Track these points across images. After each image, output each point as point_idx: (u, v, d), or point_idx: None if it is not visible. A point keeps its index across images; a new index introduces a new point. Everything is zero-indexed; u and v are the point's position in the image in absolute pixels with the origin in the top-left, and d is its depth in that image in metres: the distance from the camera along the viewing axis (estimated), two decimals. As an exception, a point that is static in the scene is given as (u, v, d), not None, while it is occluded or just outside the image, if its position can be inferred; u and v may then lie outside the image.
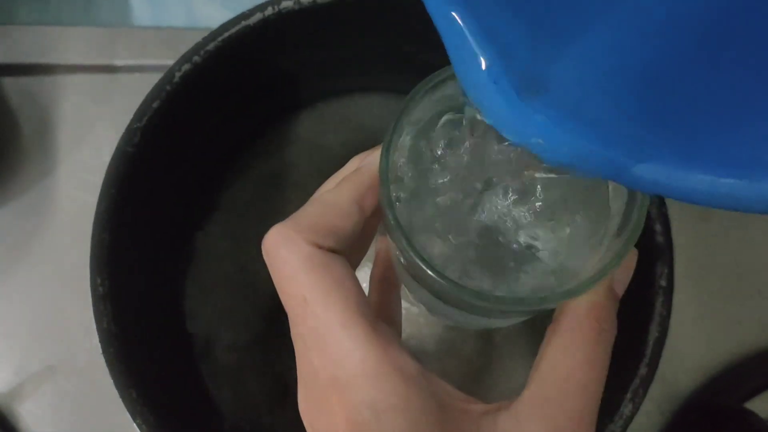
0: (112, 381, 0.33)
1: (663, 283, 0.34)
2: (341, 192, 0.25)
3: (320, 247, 0.23)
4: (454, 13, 0.16)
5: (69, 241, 0.45)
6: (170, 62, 0.35)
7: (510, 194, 0.25)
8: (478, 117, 0.24)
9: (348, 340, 0.21)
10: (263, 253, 0.24)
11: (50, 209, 0.46)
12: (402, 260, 0.25)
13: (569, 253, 0.24)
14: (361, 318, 0.22)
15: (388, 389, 0.21)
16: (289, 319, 0.23)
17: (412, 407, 0.21)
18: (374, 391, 0.21)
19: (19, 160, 0.47)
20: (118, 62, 0.48)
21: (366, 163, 0.26)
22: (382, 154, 0.23)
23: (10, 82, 0.48)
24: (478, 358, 0.43)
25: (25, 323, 0.45)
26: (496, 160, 0.24)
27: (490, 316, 0.26)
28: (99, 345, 0.33)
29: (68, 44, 0.48)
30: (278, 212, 0.44)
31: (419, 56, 0.41)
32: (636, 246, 0.32)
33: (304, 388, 0.23)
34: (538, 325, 0.43)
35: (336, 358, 0.22)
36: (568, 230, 0.25)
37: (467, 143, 0.25)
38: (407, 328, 0.43)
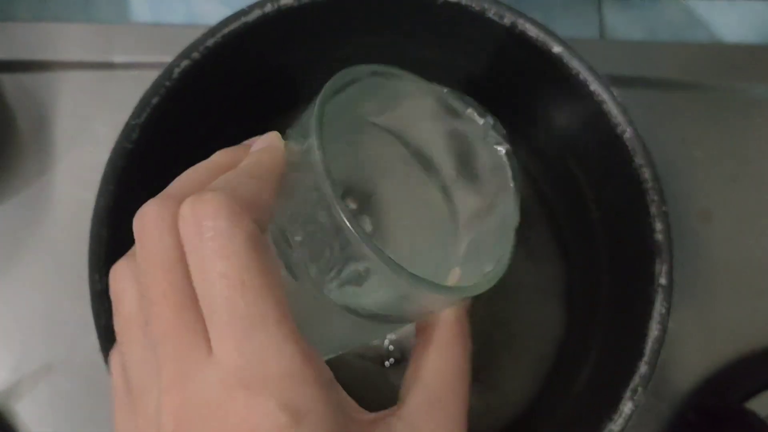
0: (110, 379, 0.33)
1: (663, 281, 0.34)
2: (263, 167, 0.23)
3: (260, 226, 0.21)
4: None
5: (66, 238, 0.45)
6: (168, 59, 0.35)
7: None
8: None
9: (279, 335, 0.20)
10: (188, 219, 0.21)
11: (48, 207, 0.46)
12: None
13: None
14: (289, 313, 0.20)
15: (309, 394, 0.20)
16: (211, 303, 0.20)
17: (328, 414, 0.20)
18: (297, 394, 0.20)
19: (17, 158, 0.47)
20: (117, 59, 0.48)
21: (268, 146, 0.25)
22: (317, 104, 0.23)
23: (7, 79, 0.48)
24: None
25: (22, 321, 0.45)
26: None
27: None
28: (97, 342, 0.33)
29: (66, 41, 0.48)
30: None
31: (417, 54, 0.41)
32: (633, 243, 0.32)
33: (183, 391, 0.20)
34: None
35: (262, 353, 0.19)
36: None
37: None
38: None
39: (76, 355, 0.44)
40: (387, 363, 0.42)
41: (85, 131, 0.48)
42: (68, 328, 0.44)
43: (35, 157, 0.47)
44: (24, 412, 0.43)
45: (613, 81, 0.36)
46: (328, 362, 0.22)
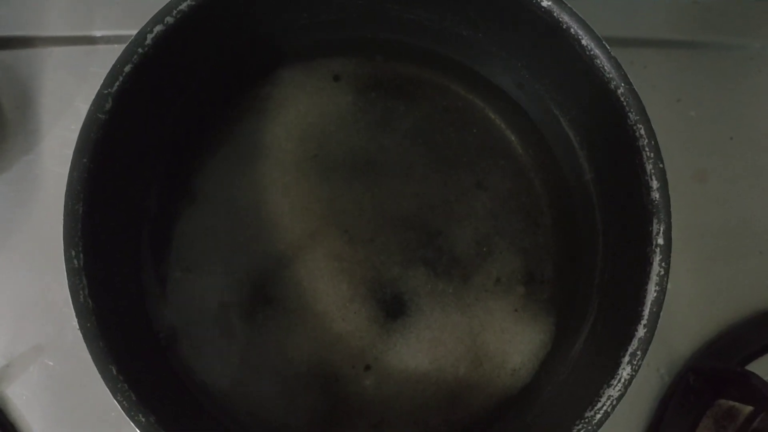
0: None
1: (660, 241, 0.33)
2: None
3: None
4: None
5: (52, 217, 0.44)
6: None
7: None
8: None
9: None
10: None
11: (33, 186, 0.46)
12: None
13: None
14: None
15: None
16: None
17: None
18: None
19: (0, 137, 0.46)
20: (97, 33, 0.47)
21: None
22: None
23: (-12, 57, 0.47)
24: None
25: (10, 303, 0.44)
26: None
27: None
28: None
29: (45, 16, 0.48)
30: (264, 176, 0.43)
31: (402, 14, 0.40)
32: (628, 203, 0.31)
33: None
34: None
35: None
36: None
37: None
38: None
39: (65, 335, 0.44)
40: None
41: (67, 107, 0.47)
42: (56, 309, 0.44)
43: (18, 136, 0.46)
44: (14, 395, 0.43)
45: (606, 41, 0.35)
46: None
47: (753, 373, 0.40)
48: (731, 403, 0.42)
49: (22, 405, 0.43)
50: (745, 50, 0.49)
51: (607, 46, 0.34)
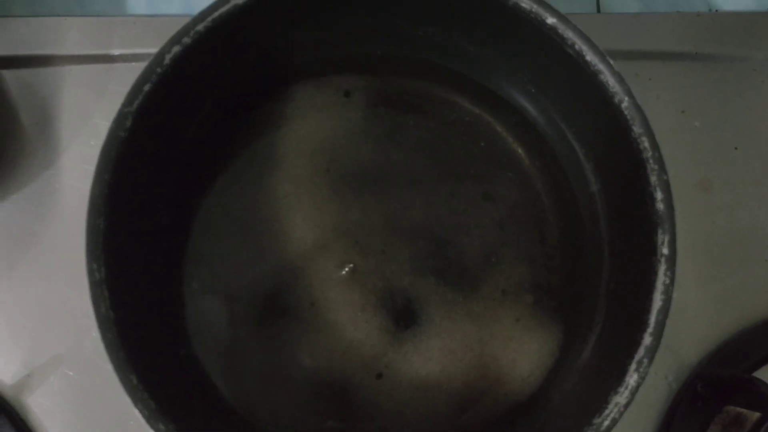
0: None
1: (665, 251, 0.34)
2: None
3: None
4: None
5: (72, 231, 0.45)
6: (166, 50, 0.35)
7: None
8: None
9: None
10: None
11: (53, 201, 0.46)
12: None
13: None
14: None
15: None
16: None
17: None
18: None
19: (21, 153, 0.47)
20: (115, 51, 0.48)
21: None
22: None
23: (9, 75, 0.48)
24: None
25: (31, 315, 0.45)
26: None
27: None
28: (103, 332, 0.33)
29: (65, 35, 0.48)
30: (276, 189, 0.44)
31: (412, 32, 0.41)
32: (634, 214, 0.32)
33: None
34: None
35: None
36: None
37: None
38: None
39: (84, 345, 0.44)
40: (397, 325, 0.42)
41: (86, 124, 0.47)
42: (77, 319, 0.44)
43: (39, 152, 0.47)
44: (35, 405, 0.44)
45: (611, 55, 0.36)
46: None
47: (760, 380, 0.40)
48: (739, 409, 0.42)
49: (43, 414, 0.43)
50: (749, 62, 0.49)
51: (610, 61, 0.35)
